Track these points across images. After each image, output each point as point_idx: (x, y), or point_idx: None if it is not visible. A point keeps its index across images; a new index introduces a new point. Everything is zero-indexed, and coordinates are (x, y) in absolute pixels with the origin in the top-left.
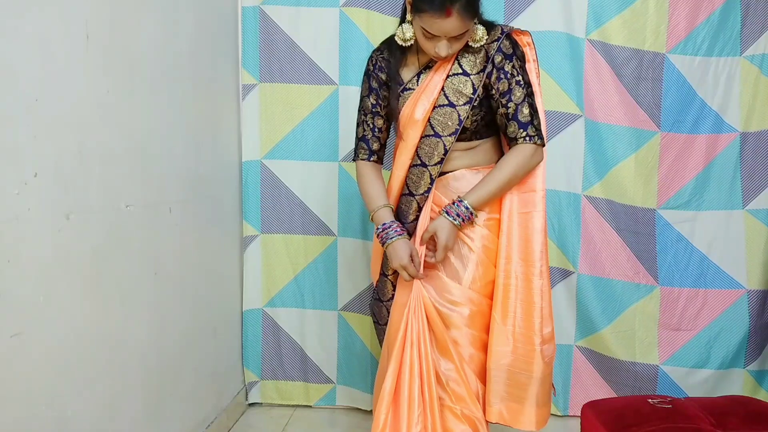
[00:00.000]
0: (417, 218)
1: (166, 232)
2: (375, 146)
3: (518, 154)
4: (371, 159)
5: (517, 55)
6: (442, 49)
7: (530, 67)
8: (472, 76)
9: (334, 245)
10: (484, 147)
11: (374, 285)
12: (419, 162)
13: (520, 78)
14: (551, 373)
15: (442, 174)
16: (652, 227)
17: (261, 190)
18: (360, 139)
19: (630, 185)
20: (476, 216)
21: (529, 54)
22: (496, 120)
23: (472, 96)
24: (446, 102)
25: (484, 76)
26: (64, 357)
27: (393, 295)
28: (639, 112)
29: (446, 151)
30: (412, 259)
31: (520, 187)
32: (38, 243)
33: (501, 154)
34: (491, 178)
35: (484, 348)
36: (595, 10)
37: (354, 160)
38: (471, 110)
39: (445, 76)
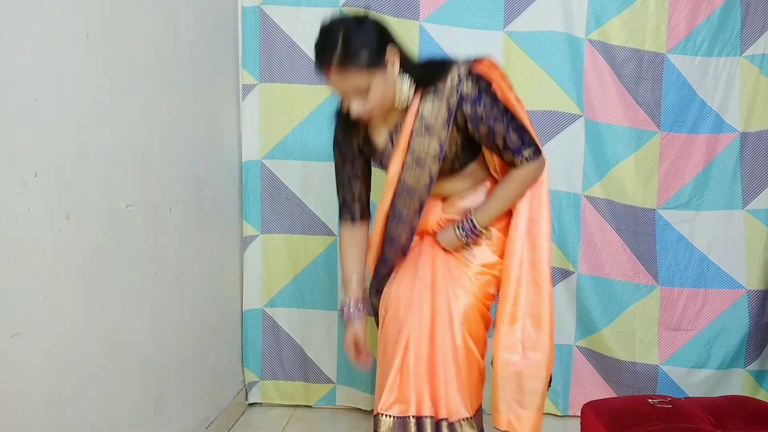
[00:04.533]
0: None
1: (166, 232)
2: (357, 209)
3: (523, 173)
4: (355, 221)
5: (482, 89)
6: (352, 106)
7: (501, 85)
8: (437, 130)
9: (334, 245)
10: (472, 168)
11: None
12: (395, 215)
13: (496, 111)
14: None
15: (444, 198)
16: (652, 227)
17: (261, 190)
18: (342, 204)
19: (630, 185)
20: (487, 232)
21: (494, 75)
22: (477, 145)
23: (438, 154)
24: (415, 164)
25: (449, 129)
26: (64, 357)
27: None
28: (639, 112)
29: (422, 207)
30: (356, 343)
31: (530, 192)
32: (38, 243)
33: (487, 168)
34: (499, 195)
35: (482, 345)
36: (595, 10)
37: (339, 223)
38: (443, 162)
39: (409, 135)
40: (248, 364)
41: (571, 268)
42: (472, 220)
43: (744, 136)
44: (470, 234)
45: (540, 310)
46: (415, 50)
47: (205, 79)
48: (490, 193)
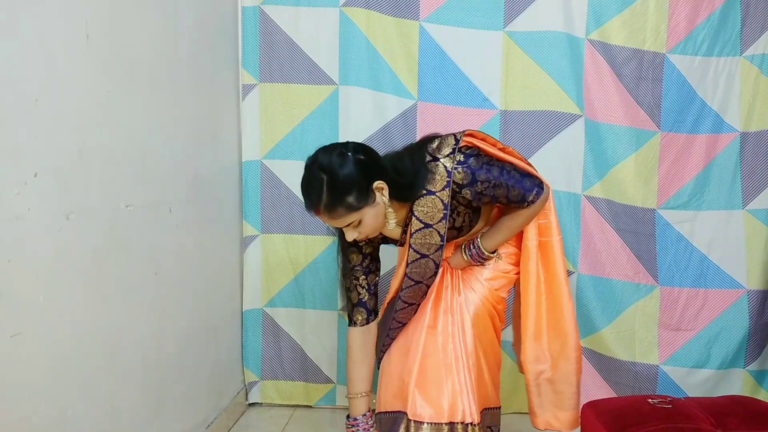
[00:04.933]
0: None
1: (166, 232)
2: (371, 303)
3: (530, 210)
4: (370, 319)
5: (473, 167)
6: (347, 234)
7: (485, 146)
8: (435, 225)
9: (334, 245)
10: (477, 224)
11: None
12: (403, 304)
13: (493, 179)
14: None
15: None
16: (652, 227)
17: (261, 190)
18: (356, 305)
19: (630, 185)
20: (495, 255)
21: (477, 142)
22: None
23: (440, 243)
24: (420, 258)
25: (447, 221)
26: (64, 357)
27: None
28: (639, 112)
29: (429, 289)
30: None
31: (538, 217)
32: (38, 243)
33: (491, 210)
34: (507, 226)
35: (493, 352)
36: (595, 10)
37: (350, 325)
38: (458, 231)
39: (409, 236)
40: (248, 364)
41: (571, 268)
42: (479, 246)
43: (744, 136)
44: (477, 258)
45: (562, 324)
46: (415, 50)
47: (205, 79)
48: (495, 221)
